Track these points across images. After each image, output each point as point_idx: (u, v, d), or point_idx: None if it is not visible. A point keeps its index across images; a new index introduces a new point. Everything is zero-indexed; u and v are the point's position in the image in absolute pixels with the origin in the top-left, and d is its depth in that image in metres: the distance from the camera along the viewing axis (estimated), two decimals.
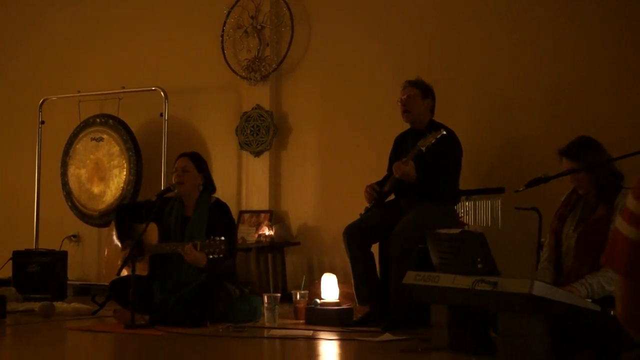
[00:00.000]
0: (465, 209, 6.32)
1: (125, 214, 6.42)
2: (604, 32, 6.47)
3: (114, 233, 6.43)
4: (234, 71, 7.94)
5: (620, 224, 1.95)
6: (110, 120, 8.27)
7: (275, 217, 7.68)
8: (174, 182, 6.15)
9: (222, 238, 5.79)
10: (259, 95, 7.85)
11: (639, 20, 6.35)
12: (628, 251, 1.93)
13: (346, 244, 5.99)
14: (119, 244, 6.34)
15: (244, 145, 7.86)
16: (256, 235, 7.47)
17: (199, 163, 6.26)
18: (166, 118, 7.98)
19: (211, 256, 5.77)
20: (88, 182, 8.38)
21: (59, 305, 6.70)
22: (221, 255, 5.78)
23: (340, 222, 6.23)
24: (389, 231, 5.82)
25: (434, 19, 7.17)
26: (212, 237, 5.82)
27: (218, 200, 6.29)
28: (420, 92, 6.13)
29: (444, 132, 5.89)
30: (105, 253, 6.64)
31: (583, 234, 4.78)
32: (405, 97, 6.13)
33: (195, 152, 6.40)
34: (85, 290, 8.14)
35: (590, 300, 4.50)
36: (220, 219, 6.14)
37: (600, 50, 6.49)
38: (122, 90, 8.26)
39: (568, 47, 6.61)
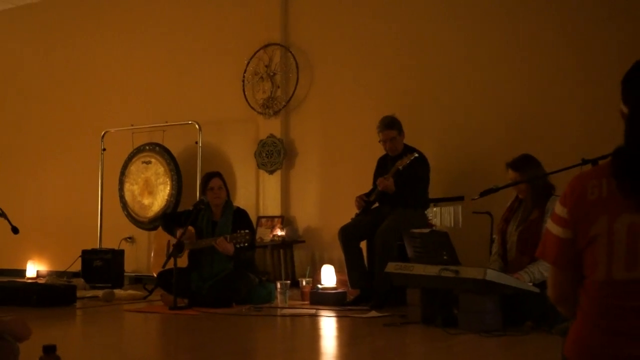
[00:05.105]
0: (434, 213, 6.31)
1: (168, 220, 6.43)
2: (549, 68, 6.41)
3: (154, 246, 6.49)
4: (252, 108, 7.95)
5: (550, 224, 1.96)
6: (157, 147, 8.27)
7: (285, 221, 7.68)
8: (210, 197, 6.14)
9: (247, 230, 5.83)
10: (272, 127, 7.85)
11: (579, 57, 6.31)
12: (556, 246, 1.93)
13: (341, 241, 5.99)
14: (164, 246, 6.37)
15: (260, 165, 7.86)
16: (271, 235, 7.47)
17: (225, 181, 6.29)
18: (200, 145, 7.98)
19: (238, 245, 5.80)
20: (139, 196, 8.38)
21: (118, 292, 6.70)
22: (246, 244, 5.80)
23: (336, 224, 6.23)
24: (374, 231, 5.81)
25: (406, 62, 7.14)
26: (238, 230, 5.85)
27: (239, 208, 6.32)
28: (397, 131, 6.08)
29: (417, 155, 5.90)
30: (152, 254, 6.66)
31: (523, 232, 4.79)
32: (389, 140, 6.05)
33: (218, 171, 6.41)
34: (138, 280, 8.13)
35: (531, 284, 4.51)
36: (242, 220, 6.16)
37: (543, 84, 6.43)
38: (165, 124, 8.28)
39: (517, 81, 6.56)
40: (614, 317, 1.78)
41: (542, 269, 4.51)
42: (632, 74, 1.90)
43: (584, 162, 4.05)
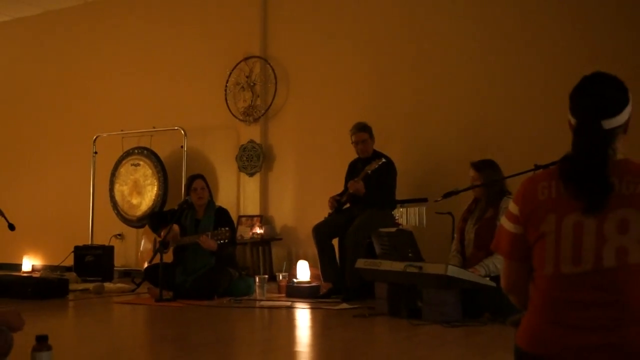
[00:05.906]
0: (400, 214, 6.33)
1: (155, 219, 6.41)
2: (506, 81, 6.47)
3: (143, 240, 6.46)
4: (234, 115, 7.94)
5: (504, 221, 2.00)
6: (145, 151, 8.24)
7: (264, 220, 7.68)
8: (193, 197, 6.12)
9: (227, 228, 5.82)
10: (252, 133, 7.85)
11: (533, 72, 6.36)
12: (509, 240, 1.97)
13: (315, 239, 6.00)
14: (149, 245, 6.35)
15: (241, 168, 7.85)
16: (250, 233, 7.47)
17: (207, 182, 6.28)
18: (185, 149, 7.96)
19: (220, 242, 5.79)
20: (129, 196, 8.34)
21: (108, 285, 6.67)
22: (227, 241, 5.79)
23: (310, 223, 6.23)
24: (346, 230, 5.82)
25: (374, 75, 7.18)
26: (219, 227, 5.84)
27: (221, 207, 6.31)
28: (368, 134, 6.13)
29: (384, 160, 5.93)
30: (140, 250, 6.63)
31: (479, 230, 4.84)
32: (361, 142, 6.10)
33: (201, 174, 6.40)
34: (127, 274, 8.08)
35: (488, 278, 4.55)
36: (223, 218, 6.15)
37: (501, 96, 6.48)
38: (153, 129, 8.25)
39: (477, 93, 6.60)
40: (562, 309, 1.81)
41: (497, 262, 4.56)
42: (579, 89, 1.95)
43: (537, 167, 4.10)
